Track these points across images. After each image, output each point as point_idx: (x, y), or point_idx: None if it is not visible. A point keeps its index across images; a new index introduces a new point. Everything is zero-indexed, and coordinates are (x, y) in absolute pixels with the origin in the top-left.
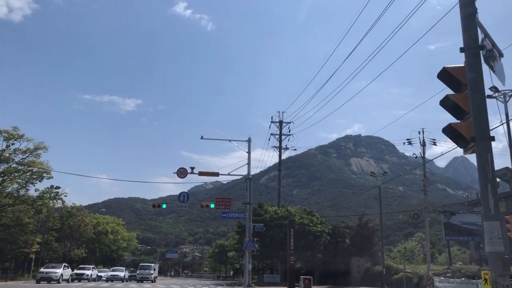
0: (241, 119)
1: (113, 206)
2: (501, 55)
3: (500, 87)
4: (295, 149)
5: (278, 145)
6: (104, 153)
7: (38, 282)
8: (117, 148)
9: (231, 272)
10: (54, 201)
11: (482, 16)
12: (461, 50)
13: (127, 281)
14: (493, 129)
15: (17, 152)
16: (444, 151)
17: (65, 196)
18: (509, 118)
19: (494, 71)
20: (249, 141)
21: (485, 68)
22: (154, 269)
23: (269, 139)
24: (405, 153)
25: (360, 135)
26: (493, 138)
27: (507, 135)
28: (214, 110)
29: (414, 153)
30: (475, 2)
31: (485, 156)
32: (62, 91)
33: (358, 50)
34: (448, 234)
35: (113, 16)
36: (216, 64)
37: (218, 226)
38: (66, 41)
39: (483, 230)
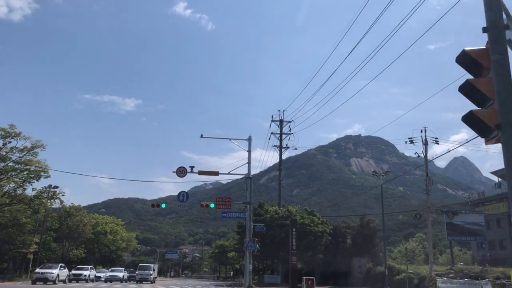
0: (241, 119)
1: (113, 207)
2: None
3: None
4: (296, 148)
5: (278, 144)
6: (104, 153)
7: (33, 282)
8: (117, 148)
9: (231, 272)
10: (52, 200)
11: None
12: (484, 30)
13: (126, 281)
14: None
15: (14, 151)
16: (445, 150)
17: (63, 195)
18: None
19: None
20: (249, 139)
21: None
22: (154, 270)
23: (269, 138)
24: (405, 153)
25: (360, 135)
26: None
27: None
28: (214, 110)
29: (416, 152)
30: None
31: None
32: (62, 91)
33: (359, 50)
34: (451, 234)
35: (113, 16)
36: (216, 64)
37: (218, 227)
38: (66, 41)
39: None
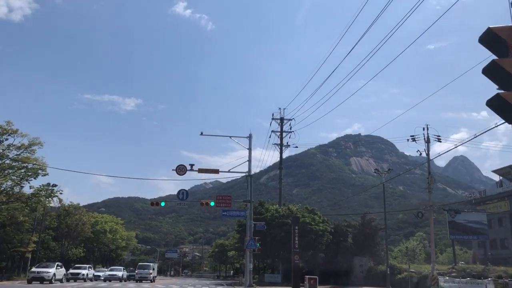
0: (241, 118)
1: (113, 206)
2: None
3: None
4: (297, 146)
5: (279, 142)
6: (104, 152)
7: (29, 282)
8: (117, 147)
9: (231, 271)
10: (50, 198)
11: None
12: None
13: (125, 281)
14: (493, 128)
15: (11, 148)
16: (445, 149)
17: (61, 193)
18: None
19: None
20: (249, 137)
21: None
22: (153, 269)
23: (269, 136)
24: (405, 153)
25: (360, 134)
26: None
27: None
28: (214, 109)
29: (418, 150)
30: None
31: None
32: (62, 90)
33: (360, 50)
34: (453, 233)
35: (113, 15)
36: (216, 64)
37: (218, 226)
38: (66, 41)
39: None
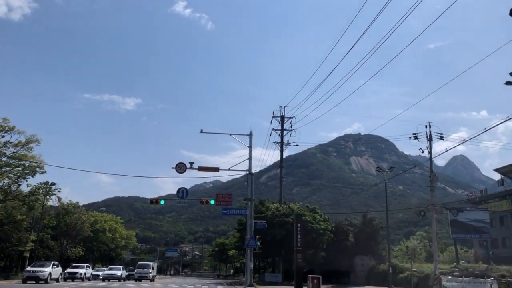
0: (241, 118)
1: (113, 205)
2: None
3: None
4: (297, 145)
5: (279, 140)
6: (104, 152)
7: (24, 281)
8: (117, 147)
9: (231, 271)
10: (47, 197)
11: None
12: None
13: (124, 280)
14: (494, 127)
15: (7, 145)
16: (445, 149)
17: (59, 191)
18: None
19: None
20: (250, 135)
21: None
22: (153, 268)
23: (270, 135)
24: (405, 152)
25: (359, 134)
26: None
27: None
28: (214, 109)
29: (420, 148)
30: None
31: None
32: (62, 90)
33: (360, 49)
34: (455, 232)
35: (112, 15)
36: (216, 64)
37: (218, 225)
38: (65, 40)
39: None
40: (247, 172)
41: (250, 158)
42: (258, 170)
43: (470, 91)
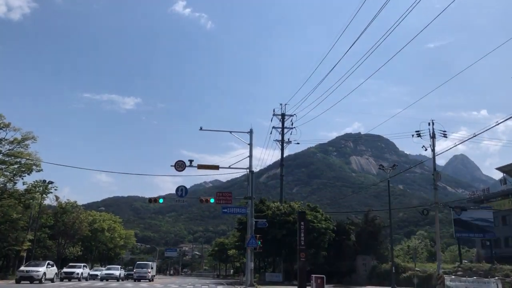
0: (240, 118)
1: (113, 205)
2: None
3: None
4: (298, 143)
5: (280, 139)
6: (103, 152)
7: (18, 282)
8: (117, 147)
9: (231, 270)
10: (44, 195)
11: None
12: None
13: (123, 280)
14: (493, 127)
15: (3, 142)
16: (446, 148)
17: (56, 189)
18: None
19: None
20: (251, 132)
21: None
22: (152, 268)
23: (271, 132)
24: (405, 151)
25: (360, 133)
26: None
27: None
28: (213, 109)
29: (423, 146)
30: None
31: None
32: (62, 89)
33: (360, 48)
34: (458, 231)
35: (112, 15)
36: (216, 63)
37: (218, 225)
38: (65, 40)
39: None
40: (248, 170)
41: (250, 156)
42: (258, 169)
43: (470, 90)
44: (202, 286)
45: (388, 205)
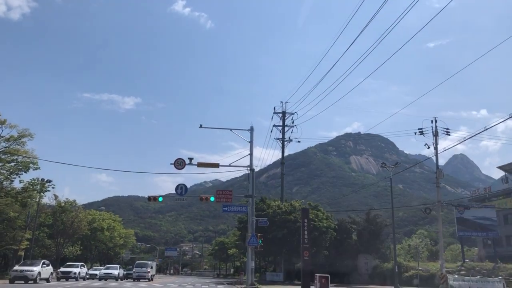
0: (240, 117)
1: (113, 205)
2: None
3: None
4: (299, 141)
5: (280, 137)
6: (103, 151)
7: (11, 281)
8: (117, 146)
9: (232, 270)
10: (42, 194)
11: None
12: None
13: (122, 279)
14: (493, 126)
15: None
16: (445, 147)
17: (53, 187)
18: None
19: None
20: (251, 130)
21: None
22: (151, 267)
23: (271, 131)
24: (405, 151)
25: (359, 133)
26: None
27: None
28: (213, 108)
29: (426, 144)
30: None
31: None
32: (61, 89)
33: (360, 48)
34: (461, 230)
35: (112, 14)
36: (215, 63)
37: (218, 224)
38: (65, 40)
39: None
40: (248, 168)
41: (251, 154)
42: (258, 169)
43: (470, 90)
44: (202, 286)
45: (391, 203)
